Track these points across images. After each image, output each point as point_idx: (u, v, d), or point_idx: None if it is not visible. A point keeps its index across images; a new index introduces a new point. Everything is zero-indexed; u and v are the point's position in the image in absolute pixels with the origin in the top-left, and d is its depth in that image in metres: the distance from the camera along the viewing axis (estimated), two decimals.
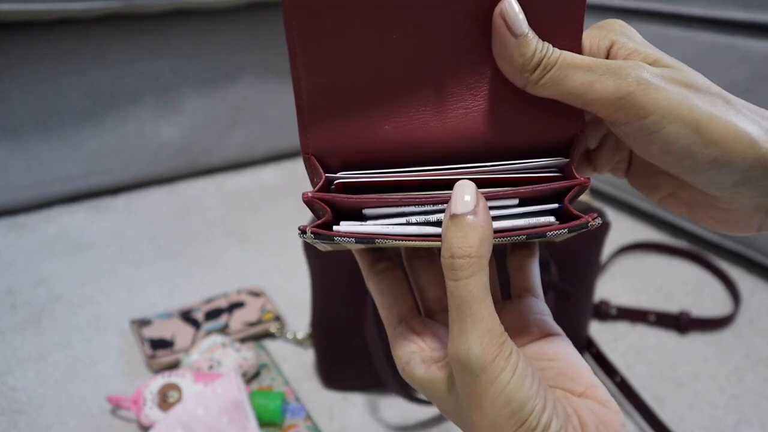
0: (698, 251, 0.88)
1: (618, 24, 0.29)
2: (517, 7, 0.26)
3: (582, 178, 0.27)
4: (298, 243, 0.90)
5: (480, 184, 0.26)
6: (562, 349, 0.30)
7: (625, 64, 0.26)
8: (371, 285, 0.32)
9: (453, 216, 0.25)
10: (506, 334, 0.26)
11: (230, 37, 1.08)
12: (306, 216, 0.99)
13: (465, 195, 0.25)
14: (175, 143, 1.09)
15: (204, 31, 1.05)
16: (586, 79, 0.26)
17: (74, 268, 0.85)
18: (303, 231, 0.26)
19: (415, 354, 0.30)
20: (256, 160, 1.22)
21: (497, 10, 0.26)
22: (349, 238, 0.25)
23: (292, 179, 1.16)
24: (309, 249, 0.58)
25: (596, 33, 0.29)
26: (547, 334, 0.31)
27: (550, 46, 0.27)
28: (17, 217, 0.98)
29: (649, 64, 0.27)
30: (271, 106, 1.17)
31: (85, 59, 0.97)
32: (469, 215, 0.25)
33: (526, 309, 0.32)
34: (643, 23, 0.92)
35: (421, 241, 0.26)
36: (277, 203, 1.05)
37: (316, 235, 0.26)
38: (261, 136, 1.19)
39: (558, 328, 0.32)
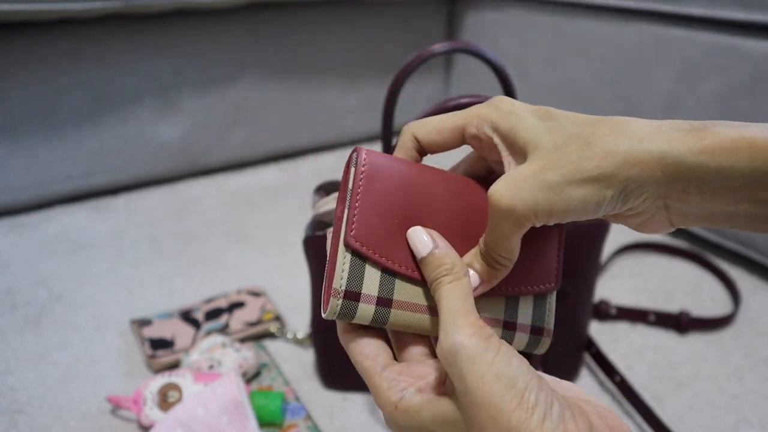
0: (698, 251, 0.88)
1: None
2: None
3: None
4: (298, 243, 0.90)
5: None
6: (552, 379, 0.31)
7: (494, 206, 0.30)
8: (350, 339, 0.33)
9: (422, 259, 0.31)
10: (485, 326, 0.28)
11: (230, 37, 1.08)
12: (305, 216, 0.99)
13: (422, 237, 0.32)
14: (175, 143, 1.09)
15: (204, 31, 1.05)
16: (510, 239, 0.31)
17: (74, 268, 0.85)
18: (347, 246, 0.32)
19: (407, 389, 0.30)
20: (256, 160, 1.22)
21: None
22: (374, 259, 0.32)
23: (292, 179, 1.16)
24: (309, 249, 0.58)
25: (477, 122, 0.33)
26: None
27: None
28: (17, 217, 0.98)
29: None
30: (271, 106, 1.17)
31: (85, 59, 0.97)
32: (434, 250, 0.31)
33: None
34: (643, 23, 0.92)
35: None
36: (277, 203, 1.05)
37: (349, 249, 0.32)
38: (261, 136, 1.19)
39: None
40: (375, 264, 0.32)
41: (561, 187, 0.28)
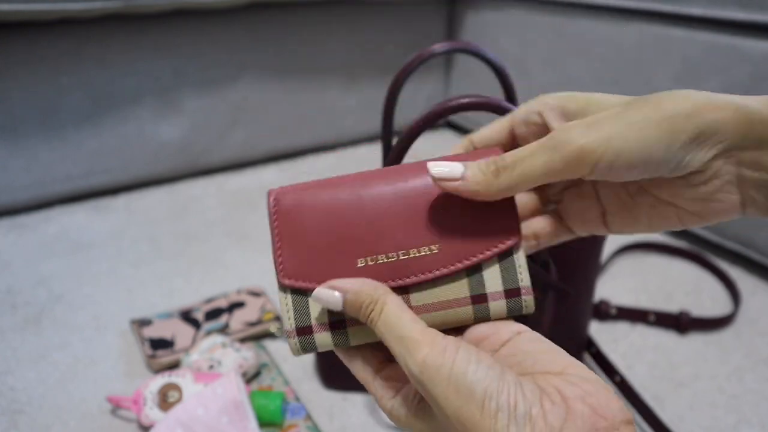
0: (698, 251, 0.88)
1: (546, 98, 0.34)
2: (442, 169, 0.31)
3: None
4: None
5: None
6: (534, 341, 0.31)
7: (555, 135, 0.29)
8: (342, 352, 0.34)
9: (343, 303, 0.31)
10: (436, 334, 0.28)
11: (230, 37, 1.08)
12: None
13: (328, 294, 0.31)
14: (175, 143, 1.09)
15: (204, 31, 1.05)
16: (541, 160, 0.29)
17: (74, 268, 0.85)
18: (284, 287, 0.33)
19: (396, 397, 0.31)
20: (256, 160, 1.22)
21: (433, 177, 0.31)
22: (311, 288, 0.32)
23: (292, 179, 1.16)
24: None
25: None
26: (516, 332, 0.32)
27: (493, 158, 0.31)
28: (17, 217, 0.98)
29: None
30: (271, 106, 1.17)
31: (85, 59, 0.97)
32: (346, 297, 0.30)
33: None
34: (643, 23, 0.92)
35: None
36: None
37: (291, 290, 0.33)
38: (261, 136, 1.19)
39: (523, 326, 0.33)
40: None
41: (639, 125, 0.28)
